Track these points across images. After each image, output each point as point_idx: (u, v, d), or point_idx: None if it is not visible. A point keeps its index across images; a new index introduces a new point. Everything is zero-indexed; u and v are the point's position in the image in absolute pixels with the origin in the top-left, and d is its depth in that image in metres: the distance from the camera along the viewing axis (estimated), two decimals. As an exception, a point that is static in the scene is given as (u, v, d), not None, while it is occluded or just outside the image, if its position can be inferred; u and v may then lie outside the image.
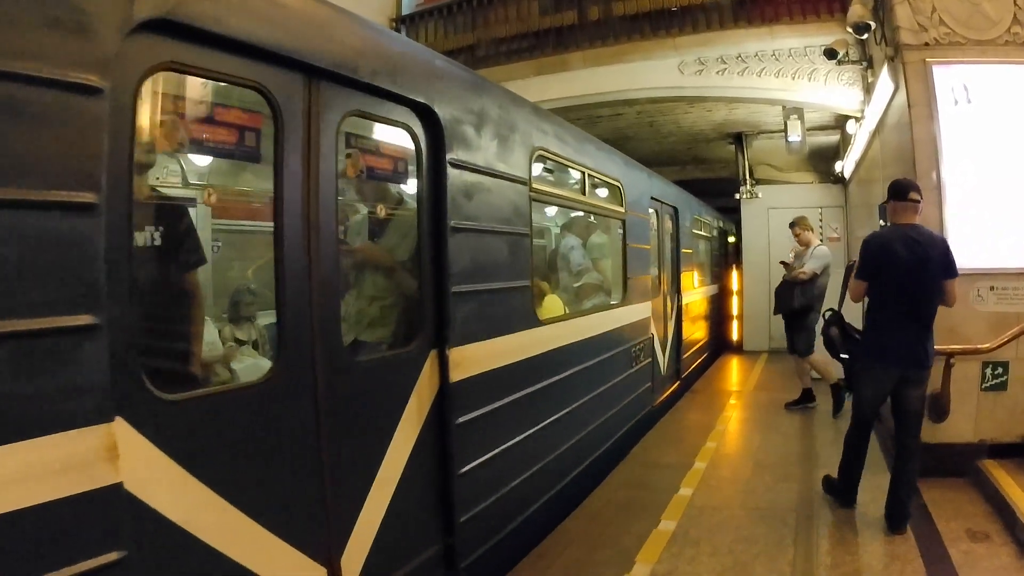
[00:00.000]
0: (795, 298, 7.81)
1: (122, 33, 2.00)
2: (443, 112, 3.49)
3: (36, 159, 1.80)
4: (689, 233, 10.23)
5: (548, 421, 4.72)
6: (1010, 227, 5.39)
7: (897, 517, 4.49)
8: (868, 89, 7.85)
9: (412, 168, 3.56)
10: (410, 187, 3.68)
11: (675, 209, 9.34)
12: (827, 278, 7.69)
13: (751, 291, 13.16)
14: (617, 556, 4.27)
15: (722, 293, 14.20)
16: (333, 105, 2.86)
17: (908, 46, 5.64)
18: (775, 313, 8.33)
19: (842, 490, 5.01)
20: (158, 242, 2.60)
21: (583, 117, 10.20)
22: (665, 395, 8.52)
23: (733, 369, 11.99)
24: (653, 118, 11.39)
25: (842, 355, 5.24)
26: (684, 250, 9.72)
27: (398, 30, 10.48)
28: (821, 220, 11.61)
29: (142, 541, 2.03)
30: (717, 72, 8.96)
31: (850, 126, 9.22)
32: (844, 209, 11.97)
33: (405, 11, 11.14)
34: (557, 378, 4.86)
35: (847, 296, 4.91)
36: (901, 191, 4.58)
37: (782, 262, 8.34)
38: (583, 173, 5.75)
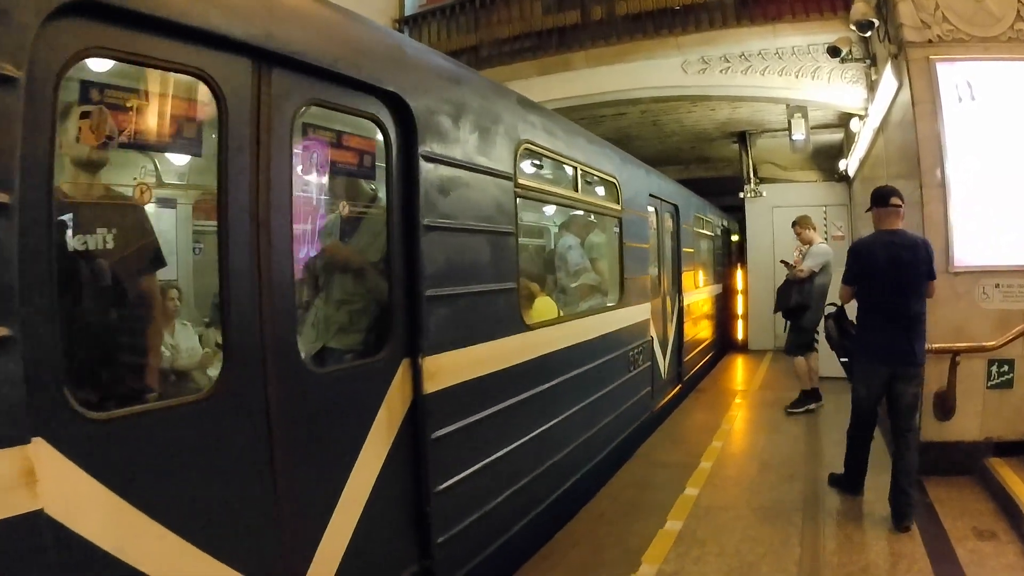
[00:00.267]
0: (791, 297, 7.86)
1: (39, 17, 1.83)
2: (415, 102, 3.25)
3: None
4: (691, 231, 10.06)
5: (536, 432, 4.44)
6: (1015, 224, 5.37)
7: (901, 508, 4.54)
8: (872, 87, 7.83)
9: (382, 162, 3.32)
10: (380, 182, 3.44)
11: (675, 207, 9.15)
12: (827, 277, 7.67)
13: (756, 290, 13.14)
14: (623, 556, 4.27)
15: (727, 292, 14.17)
16: (287, 94, 2.63)
17: (912, 43, 5.62)
18: (774, 312, 8.43)
19: (847, 483, 5.16)
20: (107, 245, 2.38)
21: (586, 117, 10.19)
22: (666, 399, 8.27)
23: (738, 368, 11.99)
24: (657, 117, 11.38)
25: (840, 355, 5.40)
26: (685, 249, 9.55)
27: (401, 31, 10.49)
28: (825, 218, 11.60)
29: (69, 571, 1.88)
30: (720, 71, 8.94)
31: (854, 124, 9.20)
32: (848, 207, 11.95)
33: (408, 12, 11.15)
34: (546, 386, 4.59)
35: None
36: (883, 198, 4.80)
37: (783, 261, 8.38)
38: (575, 168, 5.46)
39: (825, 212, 11.71)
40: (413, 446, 3.29)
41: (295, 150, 2.77)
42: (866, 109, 8.27)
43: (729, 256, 14.98)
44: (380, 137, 3.22)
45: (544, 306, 5.46)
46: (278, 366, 2.55)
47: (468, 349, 3.68)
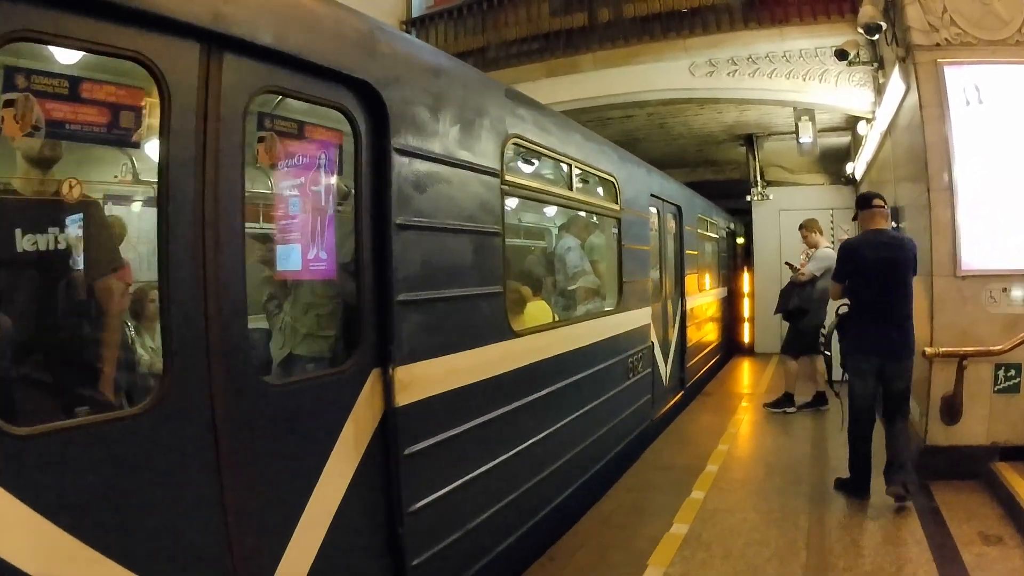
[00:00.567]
0: (791, 300, 7.90)
1: None
2: (388, 91, 3.01)
3: None
4: (694, 233, 9.87)
5: (523, 446, 4.18)
6: (1022, 227, 5.35)
7: (894, 472, 4.88)
8: (879, 90, 7.81)
9: (354, 156, 3.06)
10: (349, 178, 3.15)
11: (678, 208, 8.96)
12: (829, 282, 7.66)
13: (762, 293, 13.05)
14: (629, 559, 4.28)
15: (733, 296, 14.12)
16: (240, 80, 2.42)
17: (919, 47, 5.61)
18: (775, 313, 8.51)
19: (853, 486, 5.17)
20: (38, 246, 2.23)
21: (593, 119, 10.18)
22: (667, 407, 8.05)
23: (744, 372, 11.98)
24: (664, 120, 11.37)
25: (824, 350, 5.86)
26: (689, 251, 9.36)
27: (408, 32, 10.51)
28: (832, 222, 11.55)
29: None
30: (728, 73, 8.93)
31: (861, 127, 9.18)
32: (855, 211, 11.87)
33: (415, 13, 11.19)
34: (535, 397, 4.32)
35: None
36: (866, 201, 5.25)
37: (787, 263, 8.44)
38: (569, 166, 5.21)
39: (832, 215, 11.65)
40: (385, 463, 3.06)
41: (255, 142, 2.63)
42: (873, 112, 8.26)
43: (735, 259, 14.95)
44: (349, 129, 2.99)
45: (538, 311, 5.30)
46: (226, 377, 2.35)
47: (447, 358, 3.43)
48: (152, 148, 2.31)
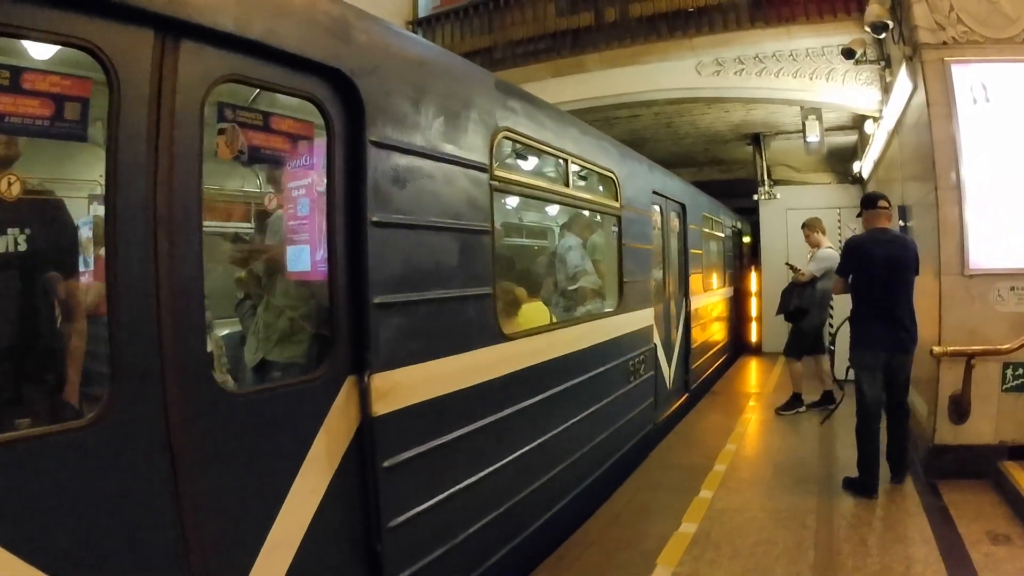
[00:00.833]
0: (792, 300, 7.92)
1: None
2: (363, 81, 2.84)
3: None
4: (699, 232, 9.69)
5: (515, 455, 3.98)
6: (1030, 227, 5.35)
7: (896, 460, 5.37)
8: (886, 89, 7.81)
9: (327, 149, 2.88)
10: (321, 172, 2.97)
11: (682, 206, 8.70)
12: (830, 282, 7.65)
13: (770, 292, 12.97)
14: (638, 558, 4.30)
15: (739, 295, 14.08)
16: (198, 68, 2.27)
17: (926, 45, 5.61)
18: (776, 314, 8.51)
19: (862, 485, 5.21)
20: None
21: (600, 119, 10.19)
22: (671, 410, 7.80)
23: (752, 371, 11.99)
24: (670, 119, 11.38)
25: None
26: (693, 250, 9.12)
27: (415, 32, 10.54)
28: (839, 221, 11.55)
29: None
30: (735, 73, 8.93)
31: (868, 126, 9.17)
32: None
33: (422, 14, 11.22)
34: (528, 403, 4.13)
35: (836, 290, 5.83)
36: (871, 201, 5.43)
37: (787, 264, 8.50)
38: (565, 161, 4.97)
39: (839, 214, 11.65)
40: (362, 476, 2.88)
41: (215, 135, 2.50)
42: (880, 111, 8.25)
43: (742, 258, 14.90)
44: (320, 120, 2.83)
45: (534, 313, 5.16)
46: (182, 386, 2.20)
47: (429, 364, 3.24)
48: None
